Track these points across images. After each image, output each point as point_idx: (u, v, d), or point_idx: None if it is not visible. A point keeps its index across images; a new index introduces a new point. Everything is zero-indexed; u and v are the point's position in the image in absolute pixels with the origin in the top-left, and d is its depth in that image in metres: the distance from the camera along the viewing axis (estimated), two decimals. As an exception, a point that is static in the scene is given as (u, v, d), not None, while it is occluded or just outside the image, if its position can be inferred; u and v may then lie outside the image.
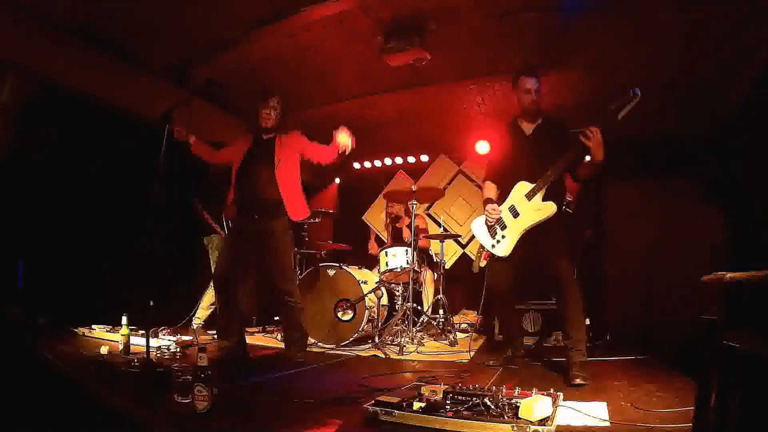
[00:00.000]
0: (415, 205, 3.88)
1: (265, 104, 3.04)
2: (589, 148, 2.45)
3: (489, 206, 2.79)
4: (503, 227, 2.75)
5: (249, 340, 3.46)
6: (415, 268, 3.89)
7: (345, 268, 3.91)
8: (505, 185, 2.81)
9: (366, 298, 3.75)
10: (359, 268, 4.15)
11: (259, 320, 4.74)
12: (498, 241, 2.77)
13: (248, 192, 3.03)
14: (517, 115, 2.89)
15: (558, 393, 1.92)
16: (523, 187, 2.69)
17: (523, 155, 2.75)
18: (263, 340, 4.01)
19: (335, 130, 2.99)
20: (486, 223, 2.82)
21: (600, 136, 2.42)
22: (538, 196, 2.62)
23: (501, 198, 2.83)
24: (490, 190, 2.93)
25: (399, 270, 3.96)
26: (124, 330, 2.89)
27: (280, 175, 3.01)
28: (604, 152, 2.45)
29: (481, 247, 3.00)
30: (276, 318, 4.49)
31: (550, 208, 2.59)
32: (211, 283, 3.66)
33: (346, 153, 3.02)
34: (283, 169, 3.02)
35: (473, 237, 5.66)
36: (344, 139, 2.97)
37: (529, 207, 2.65)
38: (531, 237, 2.67)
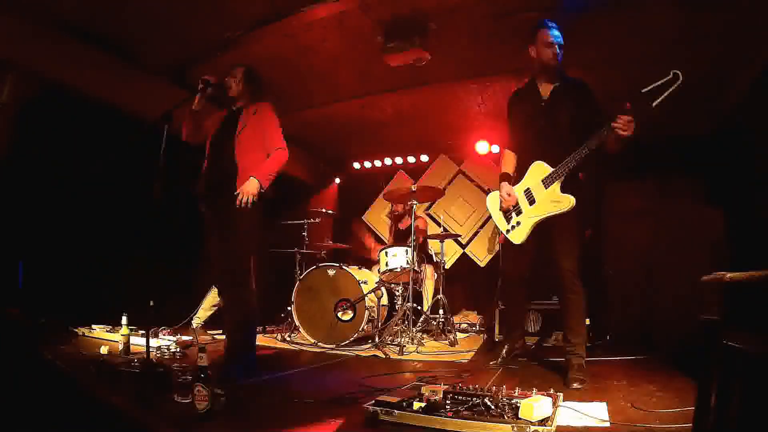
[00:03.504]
0: (415, 205, 3.88)
1: (228, 74, 2.87)
2: (622, 136, 2.22)
3: (505, 191, 2.65)
4: (518, 212, 2.62)
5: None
6: (415, 268, 3.89)
7: (345, 268, 3.91)
8: (523, 156, 2.66)
9: (366, 298, 3.75)
10: (359, 268, 4.15)
11: (259, 320, 4.73)
12: (513, 227, 2.64)
13: (211, 166, 2.77)
14: (534, 74, 2.66)
15: (558, 393, 1.92)
16: (540, 168, 2.52)
17: (540, 122, 2.55)
18: (263, 340, 4.00)
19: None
20: (501, 207, 2.70)
21: (633, 124, 2.19)
22: (556, 185, 2.43)
23: (518, 171, 2.68)
24: (509, 160, 2.74)
25: (399, 270, 3.97)
26: (124, 330, 2.90)
27: (239, 144, 2.69)
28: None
29: (496, 228, 2.80)
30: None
31: (569, 202, 2.40)
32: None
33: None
34: (243, 137, 2.70)
35: (473, 237, 5.67)
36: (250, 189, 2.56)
37: (546, 196, 2.48)
38: (543, 229, 2.55)
